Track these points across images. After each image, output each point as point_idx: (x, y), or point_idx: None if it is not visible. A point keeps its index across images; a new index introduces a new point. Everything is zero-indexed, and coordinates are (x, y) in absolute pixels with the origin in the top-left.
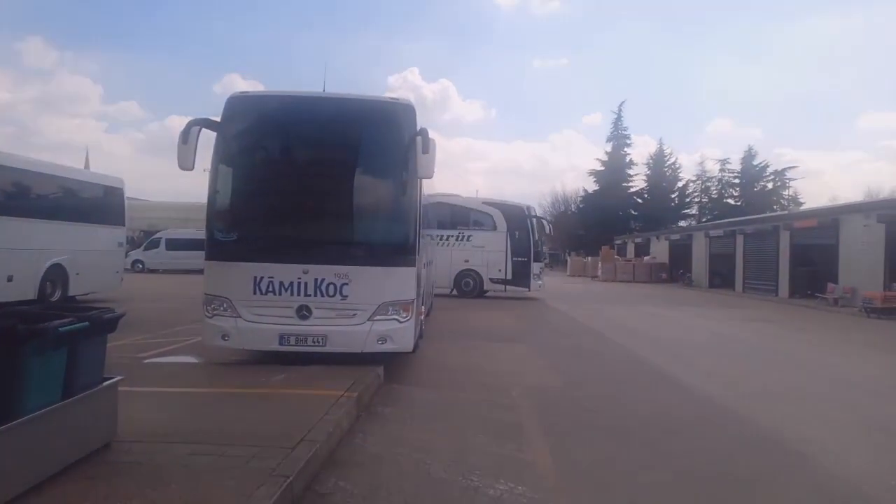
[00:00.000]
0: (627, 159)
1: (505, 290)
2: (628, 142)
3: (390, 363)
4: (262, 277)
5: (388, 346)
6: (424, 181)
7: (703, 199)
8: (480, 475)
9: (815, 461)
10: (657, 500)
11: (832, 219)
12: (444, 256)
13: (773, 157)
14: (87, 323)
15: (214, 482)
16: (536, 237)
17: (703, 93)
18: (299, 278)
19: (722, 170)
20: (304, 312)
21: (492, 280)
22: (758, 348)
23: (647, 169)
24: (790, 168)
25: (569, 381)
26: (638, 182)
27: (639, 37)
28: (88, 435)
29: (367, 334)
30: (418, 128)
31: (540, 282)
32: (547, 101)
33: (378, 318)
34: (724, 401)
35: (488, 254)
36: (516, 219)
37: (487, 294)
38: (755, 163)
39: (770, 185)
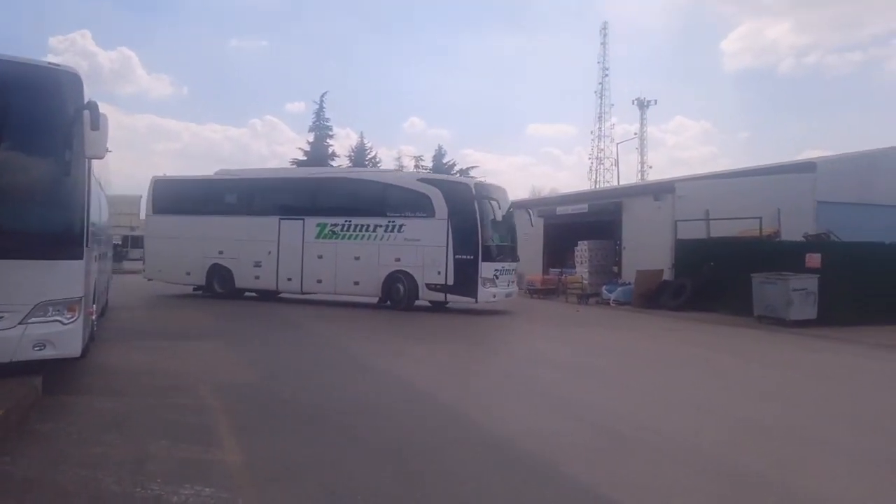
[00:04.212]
0: (330, 151)
1: (445, 300)
2: (330, 133)
3: (53, 372)
4: None
5: (49, 353)
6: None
7: None
8: (162, 483)
9: (483, 425)
10: (348, 480)
11: None
12: (370, 253)
13: (460, 156)
14: None
15: None
16: (488, 225)
17: (400, 92)
18: None
19: (416, 166)
20: None
21: (428, 286)
22: (448, 329)
23: (349, 161)
24: (473, 168)
25: (265, 375)
26: None
27: (342, 28)
28: None
29: (18, 340)
30: (86, 100)
31: (494, 289)
32: (247, 84)
33: (34, 320)
34: (413, 380)
35: (424, 250)
36: (460, 201)
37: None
38: (444, 161)
39: None
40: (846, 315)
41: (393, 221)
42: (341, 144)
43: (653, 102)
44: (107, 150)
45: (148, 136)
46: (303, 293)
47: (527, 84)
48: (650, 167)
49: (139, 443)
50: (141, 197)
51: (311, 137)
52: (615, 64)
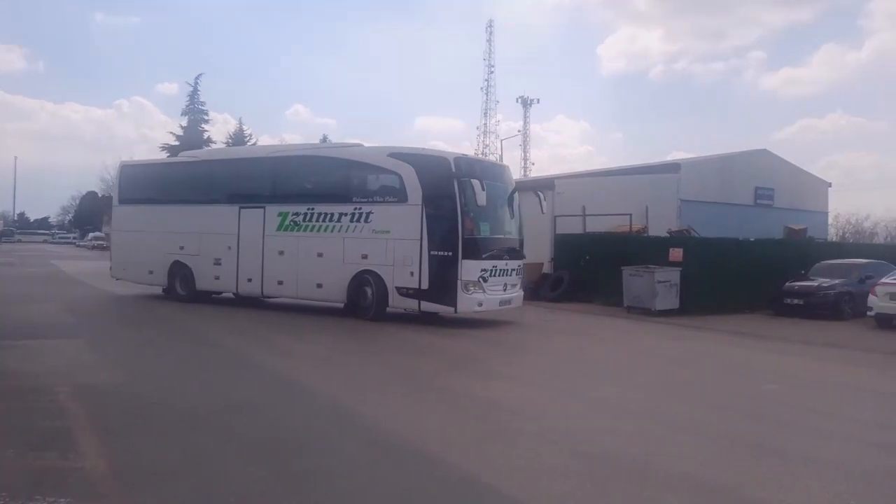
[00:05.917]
0: (205, 136)
1: (419, 309)
2: (206, 118)
3: None
4: None
5: None
6: None
7: None
8: (8, 496)
9: (364, 419)
10: (225, 481)
11: None
12: (334, 249)
13: None
14: None
15: None
16: (472, 212)
17: (284, 78)
18: None
19: None
20: None
21: (399, 291)
22: (315, 321)
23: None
24: None
25: (135, 375)
26: None
27: (222, 9)
28: None
29: None
30: None
31: (481, 295)
32: (113, 62)
33: None
34: (289, 375)
35: (395, 244)
36: (436, 181)
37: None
38: None
39: None
40: (704, 305)
41: (359, 208)
42: (218, 130)
43: (536, 101)
44: None
45: None
46: (263, 296)
47: (416, 77)
48: (533, 164)
49: None
50: None
51: (184, 121)
52: (501, 61)
